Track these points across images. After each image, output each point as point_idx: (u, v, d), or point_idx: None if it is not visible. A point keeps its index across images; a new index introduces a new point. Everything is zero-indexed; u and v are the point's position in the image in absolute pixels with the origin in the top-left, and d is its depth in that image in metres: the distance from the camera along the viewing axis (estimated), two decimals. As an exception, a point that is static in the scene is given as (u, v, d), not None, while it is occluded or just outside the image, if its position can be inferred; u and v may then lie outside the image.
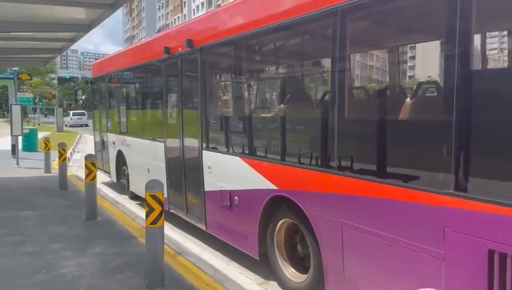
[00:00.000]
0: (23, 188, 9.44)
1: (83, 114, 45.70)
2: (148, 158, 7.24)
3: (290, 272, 4.25)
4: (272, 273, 4.53)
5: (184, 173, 5.93)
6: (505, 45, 3.15)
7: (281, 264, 4.32)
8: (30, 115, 42.68)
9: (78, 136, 26.97)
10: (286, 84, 4.70)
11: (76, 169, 13.00)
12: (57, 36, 7.34)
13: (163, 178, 6.21)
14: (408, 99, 3.37)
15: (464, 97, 2.44)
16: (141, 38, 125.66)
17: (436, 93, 3.21)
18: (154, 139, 7.02)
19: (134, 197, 8.46)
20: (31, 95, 33.07)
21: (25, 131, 16.39)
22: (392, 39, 3.90)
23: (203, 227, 5.57)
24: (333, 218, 3.43)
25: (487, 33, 3.03)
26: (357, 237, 3.21)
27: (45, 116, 51.76)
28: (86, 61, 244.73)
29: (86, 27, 6.38)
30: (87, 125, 35.03)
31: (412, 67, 3.91)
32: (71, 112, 47.87)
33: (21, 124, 12.88)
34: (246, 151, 4.68)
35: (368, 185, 3.10)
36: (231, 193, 4.80)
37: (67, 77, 78.36)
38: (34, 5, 5.57)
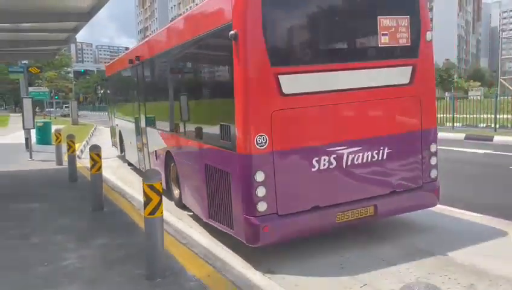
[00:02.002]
0: (34, 181, 9.52)
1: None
2: (129, 133, 10.65)
3: (176, 192, 7.13)
4: (274, 265, 4.55)
5: (142, 142, 9.21)
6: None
7: (173, 189, 7.27)
8: (47, 109, 43.32)
9: (93, 128, 27.23)
10: (165, 90, 7.38)
11: (89, 161, 13.07)
12: (59, 26, 7.26)
13: (133, 145, 10.06)
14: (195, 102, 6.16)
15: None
16: (154, 30, 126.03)
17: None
18: (129, 121, 10.43)
19: (129, 164, 11.62)
20: (47, 89, 33.50)
21: (38, 124, 16.57)
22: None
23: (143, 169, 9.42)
24: (179, 159, 6.68)
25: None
26: (186, 167, 6.33)
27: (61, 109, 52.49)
28: (101, 54, 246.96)
29: (86, 15, 6.28)
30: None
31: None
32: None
33: (33, 117, 12.96)
34: (158, 127, 7.89)
35: (189, 141, 6.08)
36: (155, 151, 8.18)
37: (82, 71, 79.22)
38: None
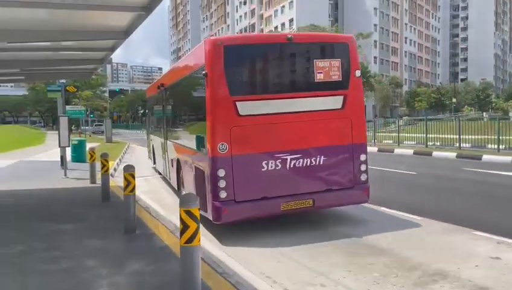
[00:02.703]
0: (67, 199, 9.45)
1: (101, 125, 54.51)
2: (157, 146, 12.87)
3: (183, 192, 8.36)
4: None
5: (164, 152, 11.21)
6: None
7: (182, 188, 8.58)
8: (82, 127, 44.51)
9: (126, 146, 27.58)
10: (175, 109, 10.01)
11: (122, 179, 13.01)
12: (97, 45, 7.22)
13: (160, 155, 12.28)
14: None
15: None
16: (187, 50, 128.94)
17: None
18: (157, 136, 12.86)
19: (157, 172, 13.62)
20: (83, 108, 34.36)
21: (74, 142, 16.80)
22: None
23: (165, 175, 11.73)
24: (182, 163, 8.46)
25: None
26: (185, 169, 8.06)
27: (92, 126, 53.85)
28: (135, 74, 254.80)
29: (123, 34, 6.18)
30: (102, 132, 43.47)
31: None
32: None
33: (68, 135, 13.09)
34: (172, 140, 9.86)
35: (189, 150, 7.70)
36: (172, 159, 9.81)
37: (117, 90, 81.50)
38: (69, 13, 5.40)
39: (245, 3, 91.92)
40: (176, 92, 9.47)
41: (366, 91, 55.37)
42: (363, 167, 6.90)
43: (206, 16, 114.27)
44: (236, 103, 6.26)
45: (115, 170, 15.25)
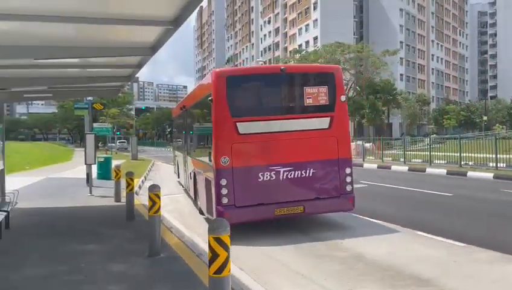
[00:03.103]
0: (91, 218, 9.29)
1: (124, 142, 58.16)
2: (179, 162, 14.34)
3: (198, 202, 9.56)
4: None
5: (184, 166, 12.52)
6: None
7: (197, 199, 9.65)
8: (109, 144, 45.16)
9: (151, 163, 27.66)
10: (186, 130, 11.85)
11: (146, 198, 12.84)
12: (123, 62, 7.10)
13: (181, 169, 13.58)
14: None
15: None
16: (211, 69, 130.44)
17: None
18: (179, 151, 14.28)
19: (181, 184, 14.41)
20: (110, 125, 34.84)
21: (99, 159, 16.85)
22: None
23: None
24: (197, 175, 9.49)
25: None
26: (199, 179, 9.05)
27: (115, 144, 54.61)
28: (160, 92, 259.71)
29: (149, 50, 6.03)
30: (126, 149, 47.55)
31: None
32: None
33: (94, 153, 13.08)
34: (191, 155, 10.80)
35: (201, 163, 8.81)
36: (189, 172, 10.99)
37: (143, 108, 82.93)
38: (96, 29, 5.26)
39: (269, 22, 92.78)
40: (192, 114, 10.97)
41: (392, 108, 54.47)
42: (348, 179, 7.85)
43: (231, 35, 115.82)
44: (237, 123, 7.41)
45: (139, 187, 15.14)
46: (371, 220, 8.72)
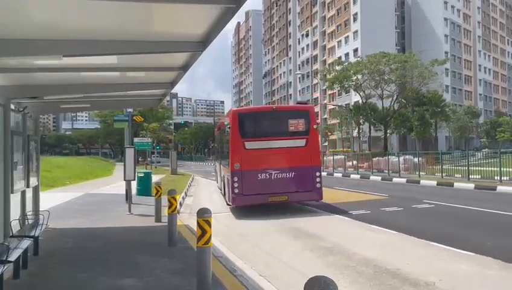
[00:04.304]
0: (129, 242, 8.25)
1: (157, 156, 59.55)
2: (217, 169, 18.51)
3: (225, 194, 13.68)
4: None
5: (220, 173, 16.14)
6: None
7: (224, 192, 14.00)
8: (149, 159, 45.11)
9: (191, 178, 26.86)
10: (220, 145, 16.78)
11: (188, 216, 11.78)
12: (168, 62, 6.11)
13: (218, 175, 17.77)
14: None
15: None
16: (248, 84, 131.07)
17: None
18: (217, 162, 18.69)
19: (219, 189, 17.49)
20: (149, 140, 34.59)
21: (139, 175, 16.08)
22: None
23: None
24: (223, 176, 14.65)
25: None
26: (224, 178, 13.66)
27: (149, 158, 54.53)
28: (198, 108, 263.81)
29: (200, 45, 4.97)
30: (159, 163, 50.22)
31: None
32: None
33: (134, 168, 12.23)
34: (218, 162, 17.92)
35: (225, 168, 13.40)
36: (221, 175, 15.34)
37: (182, 122, 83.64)
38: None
39: (307, 35, 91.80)
40: (221, 134, 16.11)
41: (440, 121, 51.56)
42: (318, 179, 11.88)
43: (268, 49, 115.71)
44: (244, 142, 11.75)
45: (180, 204, 14.12)
46: (458, 251, 7.18)
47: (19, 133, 7.86)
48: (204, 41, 4.98)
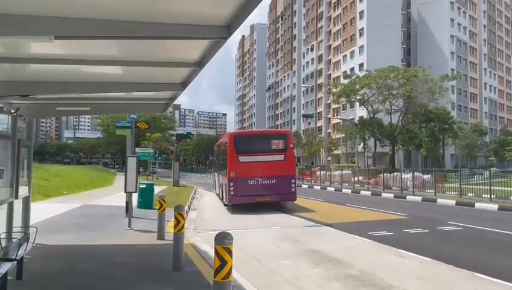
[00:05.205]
0: (128, 265, 7.19)
1: (155, 166, 58.37)
2: (216, 179, 22.53)
3: (222, 196, 18.52)
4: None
5: (219, 181, 20.19)
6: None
7: (222, 196, 18.19)
8: (150, 168, 44.03)
9: (193, 191, 25.80)
10: (219, 159, 21.33)
11: (193, 233, 10.76)
12: (183, 54, 5.22)
13: (217, 183, 21.68)
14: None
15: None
16: (252, 96, 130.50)
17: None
18: (215, 172, 23.31)
19: (217, 195, 21.61)
20: (151, 150, 33.64)
21: (141, 186, 15.09)
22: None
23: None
24: (221, 182, 18.77)
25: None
26: (222, 184, 18.21)
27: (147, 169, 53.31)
28: (200, 119, 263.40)
29: (225, 30, 4.05)
30: (155, 173, 48.58)
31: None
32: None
33: (136, 179, 11.23)
34: (216, 172, 22.71)
35: (223, 176, 17.79)
36: (219, 183, 19.94)
37: (185, 133, 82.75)
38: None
39: (312, 49, 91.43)
40: (219, 150, 20.67)
41: (448, 138, 50.55)
42: (293, 185, 16.04)
43: (272, 62, 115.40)
44: (238, 156, 15.82)
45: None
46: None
47: (6, 137, 6.92)
48: (230, 26, 4.05)
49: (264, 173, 15.72)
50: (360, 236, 10.30)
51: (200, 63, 5.49)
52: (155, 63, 5.41)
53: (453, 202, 18.05)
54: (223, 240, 3.96)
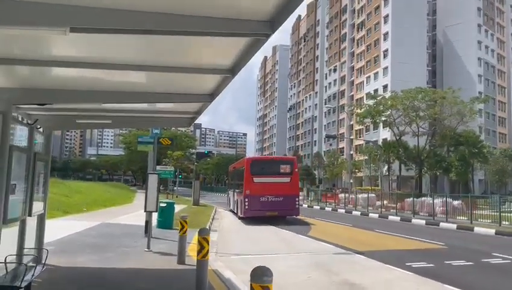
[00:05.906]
0: (147, 294, 6.52)
1: (173, 184, 57.21)
2: (231, 196, 27.38)
3: (236, 211, 22.98)
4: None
5: (234, 198, 24.91)
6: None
7: (236, 211, 22.69)
8: (170, 186, 43.64)
9: (213, 211, 25.14)
10: (234, 179, 25.93)
11: (215, 257, 9.98)
12: (217, 59, 4.63)
13: (232, 200, 26.50)
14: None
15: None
16: (272, 117, 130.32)
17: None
18: (230, 190, 28.48)
19: (230, 211, 25.97)
20: (172, 168, 33.28)
21: (161, 205, 14.51)
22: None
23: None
24: (236, 198, 23.64)
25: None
26: (237, 200, 22.69)
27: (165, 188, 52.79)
28: (221, 139, 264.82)
29: (267, 25, 3.46)
30: (172, 191, 48.85)
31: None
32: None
33: (157, 197, 10.64)
34: (231, 191, 27.10)
35: (236, 194, 23.40)
36: (234, 199, 24.39)
37: (206, 152, 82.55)
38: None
39: (335, 70, 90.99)
40: (235, 172, 25.22)
41: (477, 163, 48.66)
42: (297, 202, 20.57)
43: (294, 83, 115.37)
44: (253, 177, 20.12)
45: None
46: None
47: (22, 150, 6.44)
48: (273, 21, 3.44)
49: (273, 191, 19.70)
50: (398, 267, 9.36)
51: (233, 70, 4.90)
52: (182, 68, 4.85)
53: (491, 231, 16.77)
54: (261, 277, 3.24)
